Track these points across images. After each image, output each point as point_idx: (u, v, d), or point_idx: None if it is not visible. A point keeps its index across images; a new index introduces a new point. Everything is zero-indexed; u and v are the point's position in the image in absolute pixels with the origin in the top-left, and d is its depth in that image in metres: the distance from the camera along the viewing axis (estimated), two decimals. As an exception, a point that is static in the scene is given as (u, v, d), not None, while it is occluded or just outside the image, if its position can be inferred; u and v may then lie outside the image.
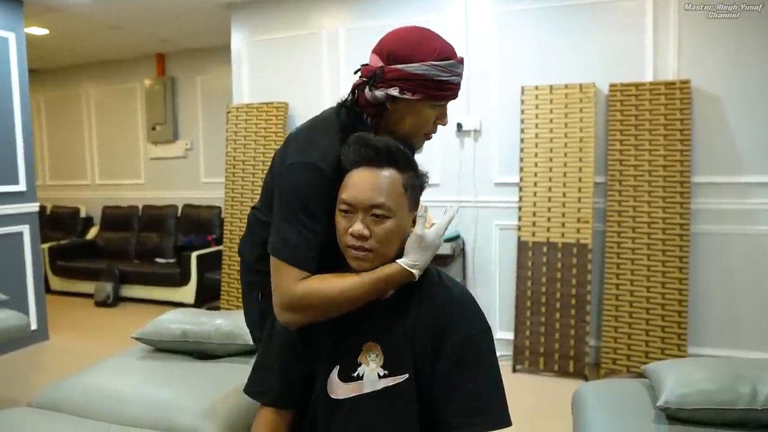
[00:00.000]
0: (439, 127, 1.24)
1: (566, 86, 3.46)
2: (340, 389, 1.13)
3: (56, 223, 6.45)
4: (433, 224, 1.17)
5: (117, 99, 6.38)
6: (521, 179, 3.55)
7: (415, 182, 1.13)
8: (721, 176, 3.28)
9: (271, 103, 4.24)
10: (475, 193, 3.75)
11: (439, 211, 1.26)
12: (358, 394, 1.11)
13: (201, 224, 5.62)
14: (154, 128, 6.03)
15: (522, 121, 3.55)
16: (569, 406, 1.86)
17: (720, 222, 3.29)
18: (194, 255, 5.08)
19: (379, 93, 1.15)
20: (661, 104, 3.27)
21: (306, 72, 4.24)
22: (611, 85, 3.39)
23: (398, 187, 1.09)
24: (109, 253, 5.93)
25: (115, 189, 6.45)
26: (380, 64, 1.17)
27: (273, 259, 1.15)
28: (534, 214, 3.52)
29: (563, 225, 3.45)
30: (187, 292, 5.11)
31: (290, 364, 1.19)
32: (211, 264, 5.03)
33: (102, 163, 6.54)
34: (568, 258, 3.42)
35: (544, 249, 3.49)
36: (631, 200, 3.32)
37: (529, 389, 3.24)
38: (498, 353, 1.13)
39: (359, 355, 1.13)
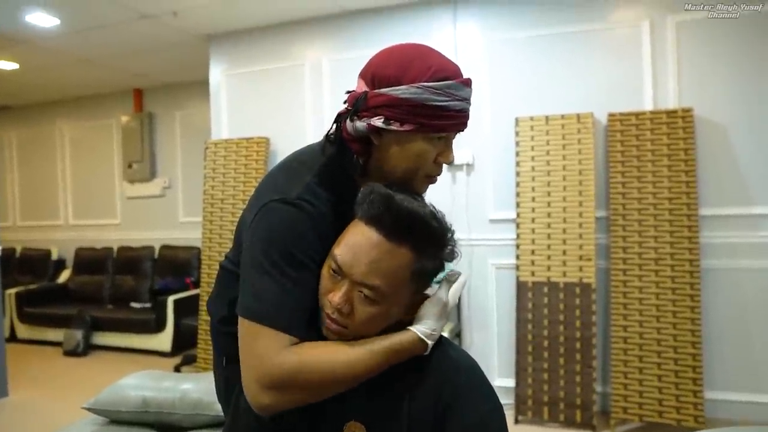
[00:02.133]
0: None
1: (563, 116, 3.29)
2: None
3: (25, 266, 6.12)
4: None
5: (92, 136, 6.13)
6: (518, 215, 3.34)
7: (430, 267, 0.91)
8: (730, 208, 3.10)
9: (252, 138, 4.03)
10: (469, 230, 3.53)
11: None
12: None
13: (179, 266, 5.32)
14: (130, 166, 5.78)
15: (517, 154, 3.36)
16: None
17: (730, 257, 3.10)
18: (171, 299, 4.77)
19: (360, 124, 0.92)
20: (664, 134, 3.10)
21: (288, 106, 4.04)
22: (610, 115, 3.22)
23: (404, 272, 0.87)
24: (81, 297, 5.60)
25: (90, 230, 6.13)
26: (365, 89, 0.94)
27: (245, 324, 0.89)
28: (533, 252, 3.30)
29: (564, 263, 3.22)
30: (163, 340, 4.78)
31: None
32: (188, 309, 4.72)
33: (76, 203, 6.25)
34: (571, 298, 3.19)
35: (545, 289, 3.25)
36: (636, 235, 3.12)
37: (534, 444, 2.99)
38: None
39: None
